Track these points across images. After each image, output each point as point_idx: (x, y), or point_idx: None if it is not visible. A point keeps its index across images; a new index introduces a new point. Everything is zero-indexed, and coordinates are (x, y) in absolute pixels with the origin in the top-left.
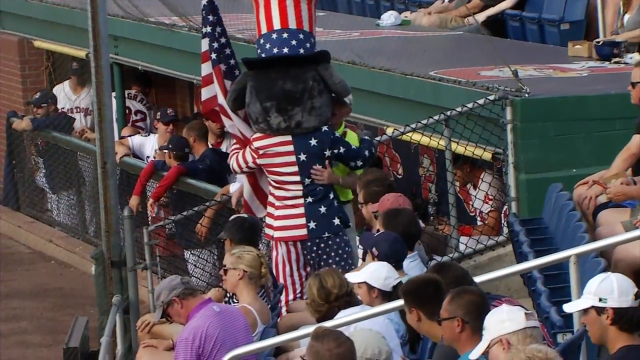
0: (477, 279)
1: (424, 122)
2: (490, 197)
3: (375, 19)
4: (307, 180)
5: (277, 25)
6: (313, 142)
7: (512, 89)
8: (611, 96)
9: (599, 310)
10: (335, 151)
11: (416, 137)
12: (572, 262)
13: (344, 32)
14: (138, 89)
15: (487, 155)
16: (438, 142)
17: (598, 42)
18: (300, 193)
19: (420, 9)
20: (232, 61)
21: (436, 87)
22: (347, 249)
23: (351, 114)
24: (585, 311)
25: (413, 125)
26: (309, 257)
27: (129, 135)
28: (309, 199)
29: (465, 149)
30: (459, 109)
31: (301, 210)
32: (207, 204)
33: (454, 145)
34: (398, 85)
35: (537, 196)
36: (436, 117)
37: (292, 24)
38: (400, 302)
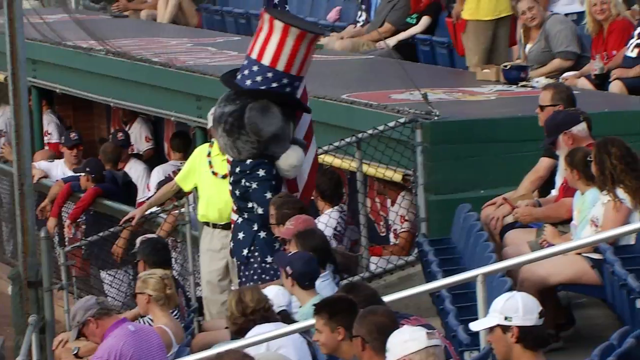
0: (387, 298)
1: (336, 144)
2: (405, 218)
3: None
4: (236, 203)
5: (253, 52)
6: (237, 169)
7: (422, 111)
8: (519, 119)
9: (504, 329)
10: (247, 185)
11: (328, 159)
12: (479, 281)
13: None
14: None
15: (398, 177)
16: (350, 164)
17: (506, 66)
18: (235, 208)
19: (333, 33)
20: None
21: (349, 110)
22: (264, 276)
23: None
24: (491, 329)
25: (325, 148)
26: None
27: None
28: (239, 219)
29: (377, 170)
30: (370, 131)
31: (233, 225)
32: (122, 224)
33: (365, 167)
34: (311, 108)
35: (446, 217)
36: (348, 139)
37: (255, 53)
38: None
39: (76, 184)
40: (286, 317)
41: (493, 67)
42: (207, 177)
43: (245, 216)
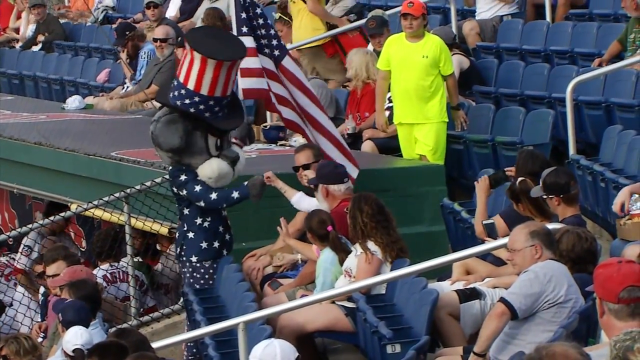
0: (155, 345)
1: (106, 199)
2: (170, 269)
3: (61, 103)
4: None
5: (181, 76)
6: (167, 176)
7: None
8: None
9: None
10: (180, 193)
11: (98, 213)
12: (240, 329)
13: (31, 114)
14: None
15: (164, 230)
16: (118, 218)
17: (265, 126)
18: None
19: (102, 93)
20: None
21: (117, 166)
22: (194, 274)
23: (39, 191)
24: None
25: (95, 202)
26: None
27: None
28: (179, 221)
29: (144, 224)
30: (138, 187)
31: None
32: None
33: (133, 221)
34: (82, 164)
35: None
36: (117, 195)
37: (182, 77)
38: None
39: None
40: (80, 355)
41: (254, 127)
42: None
43: (180, 216)
